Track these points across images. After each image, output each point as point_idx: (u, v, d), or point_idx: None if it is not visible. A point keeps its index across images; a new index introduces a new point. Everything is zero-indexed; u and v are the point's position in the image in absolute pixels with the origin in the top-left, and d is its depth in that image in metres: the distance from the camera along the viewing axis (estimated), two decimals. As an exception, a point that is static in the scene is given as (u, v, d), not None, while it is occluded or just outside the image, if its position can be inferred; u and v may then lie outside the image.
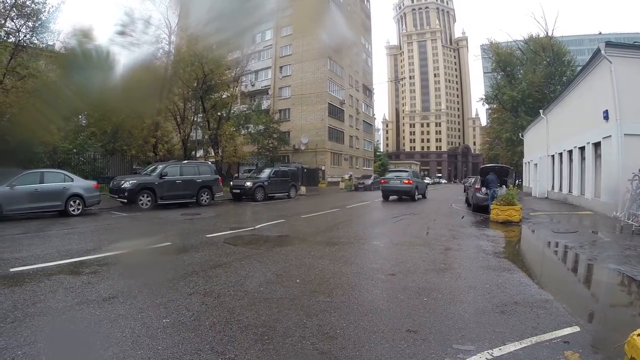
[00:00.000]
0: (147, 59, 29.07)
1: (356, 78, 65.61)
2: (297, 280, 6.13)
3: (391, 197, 26.16)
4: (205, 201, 19.99)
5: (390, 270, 6.89)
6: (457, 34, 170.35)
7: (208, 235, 10.41)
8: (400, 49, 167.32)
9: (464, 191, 32.26)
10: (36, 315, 4.60)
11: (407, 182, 25.44)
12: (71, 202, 15.13)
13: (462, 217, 16.02)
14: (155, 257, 7.87)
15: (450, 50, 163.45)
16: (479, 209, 17.19)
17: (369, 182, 43.90)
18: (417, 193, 26.15)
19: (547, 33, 45.99)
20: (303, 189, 30.55)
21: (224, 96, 36.49)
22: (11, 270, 6.70)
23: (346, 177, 47.87)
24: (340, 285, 6.01)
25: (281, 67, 57.79)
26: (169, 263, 7.28)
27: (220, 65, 33.41)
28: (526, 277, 6.46)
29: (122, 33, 27.33)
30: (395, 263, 7.60)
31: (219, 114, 36.00)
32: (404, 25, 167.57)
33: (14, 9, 21.10)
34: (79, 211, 15.29)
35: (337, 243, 9.56)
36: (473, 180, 24.45)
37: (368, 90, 73.43)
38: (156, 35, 29.68)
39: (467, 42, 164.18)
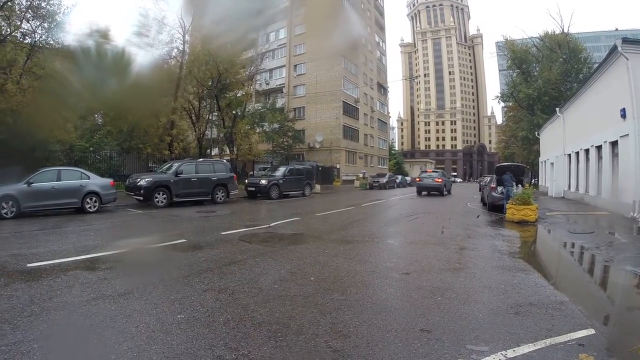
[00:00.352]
0: (161, 59, 29.50)
1: (371, 76, 65.31)
2: (312, 278, 6.14)
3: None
4: (221, 199, 20.03)
5: (404, 269, 6.87)
6: (472, 31, 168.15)
7: (223, 233, 10.46)
8: (415, 46, 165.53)
9: (480, 190, 32.06)
10: (52, 309, 4.68)
11: (438, 180, 31.33)
12: (88, 200, 15.35)
13: (478, 217, 15.91)
14: (171, 254, 7.92)
15: (465, 48, 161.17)
16: (495, 208, 17.04)
17: (383, 180, 43.72)
18: (445, 189, 31.50)
19: (562, 30, 45.37)
20: (318, 187, 30.50)
21: (238, 95, 36.67)
22: (28, 265, 6.81)
23: (360, 175, 47.76)
24: (355, 283, 6.01)
25: (295, 66, 57.75)
26: (184, 260, 7.32)
27: (234, 64, 33.54)
28: (541, 278, 6.38)
29: (138, 34, 27.83)
30: (409, 262, 7.57)
31: (233, 112, 36.17)
32: (418, 22, 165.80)
33: (30, 10, 21.49)
34: (95, 208, 15.49)
35: (351, 241, 9.56)
36: (488, 179, 24.35)
37: (383, 89, 73.15)
38: (170, 35, 29.94)
39: (482, 40, 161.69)
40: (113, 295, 5.17)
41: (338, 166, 51.35)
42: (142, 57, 29.10)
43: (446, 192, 31.91)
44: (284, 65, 58.48)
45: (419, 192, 31.38)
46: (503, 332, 4.09)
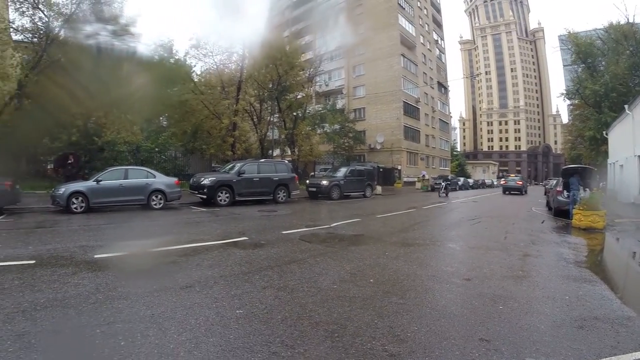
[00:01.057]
0: (222, 63, 30.52)
1: (431, 75, 64.11)
2: (371, 280, 6.08)
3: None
4: (282, 199, 20.23)
5: (465, 275, 6.67)
6: (533, 25, 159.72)
7: (284, 232, 10.55)
8: (474, 43, 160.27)
9: (545, 194, 30.99)
10: (116, 298, 4.90)
11: (519, 182, 41.62)
12: (153, 197, 16.07)
13: (542, 222, 15.27)
14: (232, 251, 8.01)
15: (526, 43, 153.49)
16: (561, 213, 16.32)
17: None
18: (523, 190, 40.71)
19: (627, 20, 42.50)
20: (379, 189, 30.22)
21: (299, 96, 36.99)
22: (95, 256, 7.18)
23: (420, 176, 47.11)
24: (414, 287, 5.90)
25: (354, 67, 57.65)
26: (245, 257, 7.43)
27: (294, 67, 33.94)
28: (608, 291, 6.00)
29: (196, 47, 29.09)
30: (471, 267, 7.36)
31: (294, 114, 36.57)
32: (476, 18, 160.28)
33: (93, 14, 22.65)
34: (160, 205, 16.17)
35: (412, 244, 9.40)
36: (554, 182, 23.45)
37: (443, 88, 71.65)
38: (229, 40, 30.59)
39: (543, 33, 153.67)
40: (175, 288, 5.34)
41: (399, 167, 50.76)
42: (202, 65, 30.50)
43: (524, 192, 40.22)
44: (342, 67, 58.49)
45: (504, 192, 40.68)
46: (565, 347, 3.91)
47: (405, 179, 50.34)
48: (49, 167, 30.28)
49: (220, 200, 17.93)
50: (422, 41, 61.52)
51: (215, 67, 31.53)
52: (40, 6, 21.40)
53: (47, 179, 24.70)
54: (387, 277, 6.35)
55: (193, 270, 6.37)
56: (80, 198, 14.50)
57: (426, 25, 64.72)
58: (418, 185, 45.16)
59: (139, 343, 3.67)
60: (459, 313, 4.81)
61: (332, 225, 12.14)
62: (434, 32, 68.90)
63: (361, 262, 7.26)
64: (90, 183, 15.04)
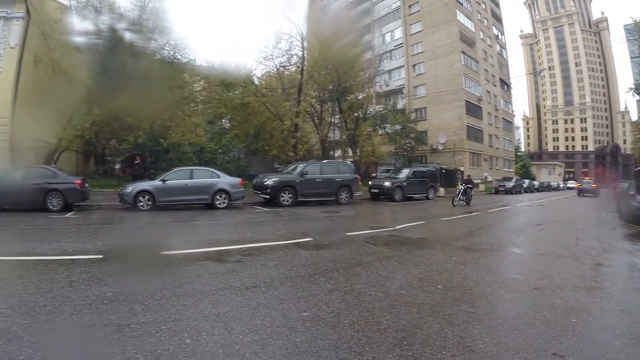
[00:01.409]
0: (282, 66, 31.12)
1: (492, 72, 61.56)
2: (439, 286, 5.88)
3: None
4: (344, 200, 20.19)
5: (536, 284, 6.31)
6: (595, 14, 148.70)
7: (348, 234, 10.44)
8: (536, 37, 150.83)
9: (614, 198, 29.45)
10: (182, 295, 4.98)
11: (593, 185, 43.41)
12: (217, 197, 16.52)
13: (614, 229, 14.39)
14: (297, 252, 8.00)
15: (589, 35, 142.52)
16: (635, 219, 15.27)
17: (510, 184, 41.84)
18: (598, 192, 41.24)
19: None
20: (441, 191, 29.74)
21: (359, 97, 36.80)
22: (161, 253, 7.33)
23: (483, 177, 45.83)
24: (484, 295, 5.69)
25: (414, 66, 56.37)
26: (310, 258, 7.40)
27: (353, 67, 33.79)
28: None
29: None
30: (541, 276, 6.95)
31: (355, 114, 36.48)
32: (536, 10, 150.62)
33: (156, 30, 23.83)
34: (224, 205, 16.59)
35: (479, 249, 9.07)
36: (626, 185, 22.10)
37: (506, 85, 68.37)
38: (289, 43, 31.09)
39: (607, 24, 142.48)
40: (240, 288, 5.36)
41: (462, 169, 49.27)
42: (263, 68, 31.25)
43: (597, 195, 40.01)
44: (402, 66, 57.46)
45: (578, 194, 42.15)
46: (642, 366, 3.61)
47: (467, 181, 48.79)
48: (116, 167, 32.08)
49: (283, 201, 18.15)
50: (482, 37, 59.40)
51: (275, 69, 31.99)
52: (102, 9, 22.51)
53: (114, 178, 26.26)
54: (455, 283, 6.12)
55: (258, 270, 6.40)
56: (147, 196, 15.31)
57: (485, 20, 62.43)
58: (482, 187, 43.90)
59: (204, 342, 3.67)
60: (531, 325, 4.53)
61: (396, 228, 11.91)
62: (493, 27, 66.04)
63: (428, 267, 7.05)
64: (157, 182, 15.83)
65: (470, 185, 23.14)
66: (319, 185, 19.42)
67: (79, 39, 23.58)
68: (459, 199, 22.05)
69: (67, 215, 13.54)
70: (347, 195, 20.29)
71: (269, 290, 5.30)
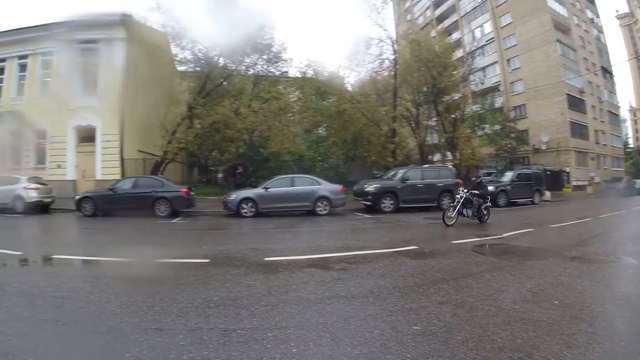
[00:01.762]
0: (374, 71, 31.27)
1: (592, 60, 55.76)
2: (555, 302, 5.37)
3: None
4: (447, 205, 19.47)
5: (662, 302, 5.63)
6: None
7: (454, 242, 10.07)
8: (634, 16, 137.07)
9: None
10: (288, 302, 5.00)
11: None
12: (319, 203, 16.80)
13: None
14: (402, 260, 7.83)
15: None
16: None
17: (620, 185, 38.28)
18: None
19: None
20: (547, 194, 27.90)
21: (455, 98, 35.78)
22: (265, 259, 7.57)
23: (589, 178, 42.58)
24: (604, 313, 5.07)
25: (508, 60, 53.17)
26: (416, 267, 7.19)
27: (447, 67, 32.88)
28: None
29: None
30: (668, 293, 6.20)
31: (452, 116, 35.46)
32: None
33: (249, 47, 25.87)
34: (325, 211, 16.82)
35: (594, 260, 8.24)
36: None
37: (608, 73, 61.23)
38: (379, 47, 30.92)
39: None
40: (347, 297, 5.28)
41: (567, 169, 45.72)
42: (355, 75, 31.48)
43: None
44: (496, 62, 54.37)
45: None
46: None
47: (574, 183, 44.79)
48: (219, 176, 33.97)
49: (385, 207, 17.95)
50: (576, 22, 54.44)
51: (368, 75, 31.98)
52: (198, 40, 24.75)
53: (217, 186, 27.91)
54: (572, 299, 5.56)
55: (365, 278, 6.30)
56: (250, 204, 15.99)
57: (577, 3, 56.81)
58: (589, 189, 40.75)
59: (311, 352, 3.64)
60: (659, 351, 4.01)
61: (503, 236, 11.34)
62: (587, 10, 59.66)
63: (542, 280, 6.52)
64: (259, 190, 16.50)
65: (479, 192, 13.83)
66: (420, 191, 18.98)
67: (178, 65, 27.05)
68: (458, 215, 13.26)
69: (174, 221, 14.57)
70: (449, 200, 19.47)
71: (377, 300, 5.17)
